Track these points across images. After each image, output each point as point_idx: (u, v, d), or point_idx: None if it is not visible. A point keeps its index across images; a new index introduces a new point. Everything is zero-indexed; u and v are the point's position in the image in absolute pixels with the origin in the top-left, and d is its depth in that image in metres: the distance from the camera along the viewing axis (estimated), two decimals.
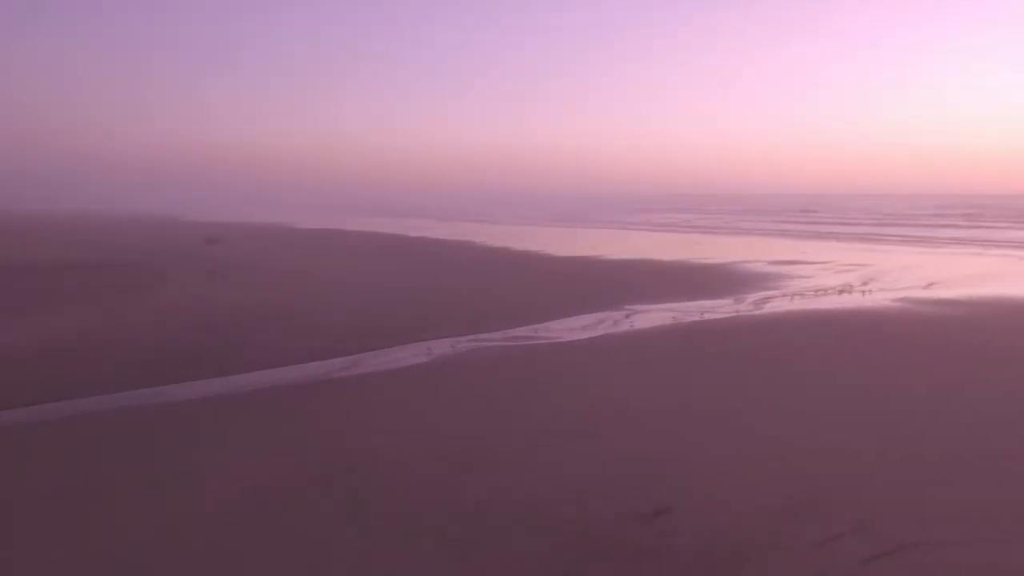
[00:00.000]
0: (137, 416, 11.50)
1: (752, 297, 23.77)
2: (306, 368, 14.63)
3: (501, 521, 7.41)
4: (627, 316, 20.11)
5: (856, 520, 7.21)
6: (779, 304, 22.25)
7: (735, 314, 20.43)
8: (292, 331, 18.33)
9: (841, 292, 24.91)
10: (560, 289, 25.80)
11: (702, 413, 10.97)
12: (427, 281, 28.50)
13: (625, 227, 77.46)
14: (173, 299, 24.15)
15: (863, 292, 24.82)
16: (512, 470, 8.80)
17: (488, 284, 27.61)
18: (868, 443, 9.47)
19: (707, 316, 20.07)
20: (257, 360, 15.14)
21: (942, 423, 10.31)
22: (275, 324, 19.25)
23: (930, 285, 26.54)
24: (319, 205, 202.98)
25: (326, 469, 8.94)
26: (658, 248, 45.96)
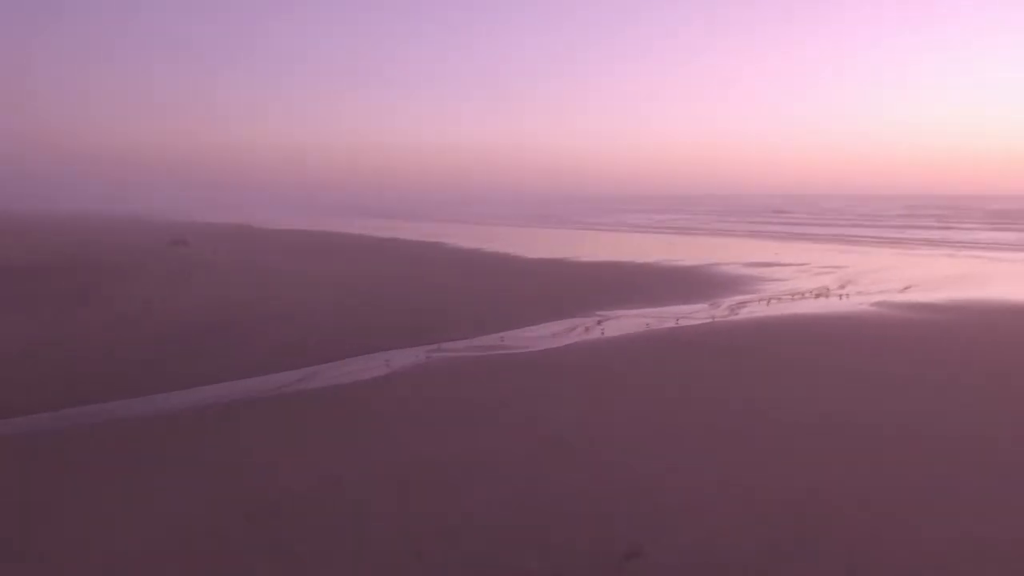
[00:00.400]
0: (87, 433, 10.68)
1: (728, 302, 23.30)
2: (260, 382, 13.87)
3: (454, 563, 6.75)
4: (599, 323, 19.51)
5: (845, 567, 6.61)
6: (755, 309, 21.79)
7: (711, 320, 19.91)
8: (248, 340, 17.53)
9: (818, 296, 24.52)
10: (531, 294, 25.17)
11: (675, 434, 10.38)
12: (394, 286, 27.75)
13: (608, 228, 77.15)
14: (130, 306, 23.18)
15: (840, 296, 24.45)
16: (473, 500, 8.14)
17: (457, 288, 26.91)
18: (854, 478, 8.93)
19: (682, 323, 19.52)
20: (212, 371, 14.38)
21: (929, 451, 9.81)
22: (232, 332, 18.43)
23: (907, 288, 26.28)
24: (312, 205, 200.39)
25: (288, 492, 8.22)
26: (635, 250, 45.54)
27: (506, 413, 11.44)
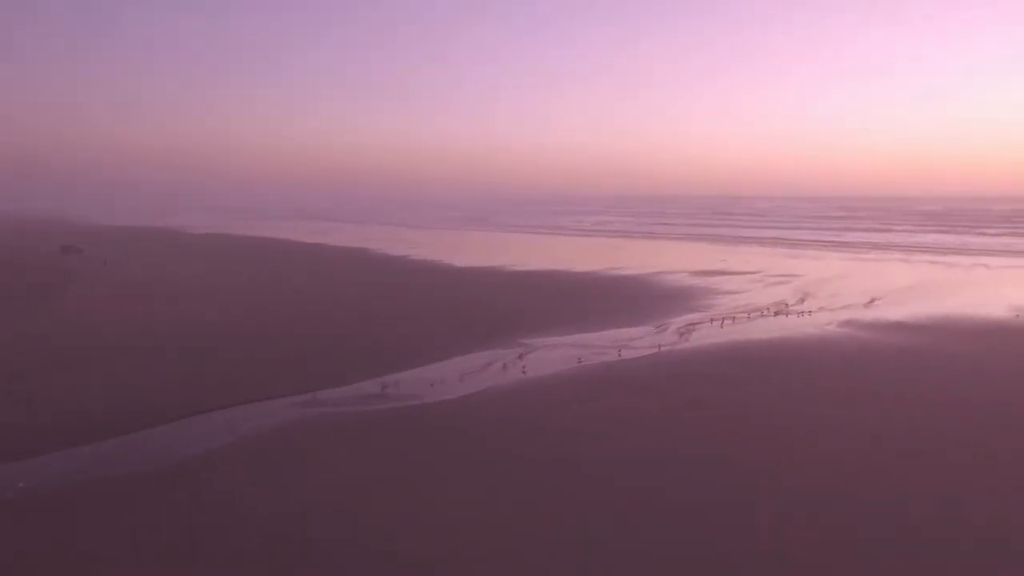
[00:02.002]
0: None
1: (676, 322, 19.88)
2: (39, 466, 9.72)
3: None
4: (520, 356, 15.74)
5: None
6: (709, 333, 18.40)
7: (656, 350, 16.39)
8: (70, 388, 13.26)
9: (777, 313, 21.37)
10: (450, 315, 21.31)
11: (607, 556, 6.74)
12: (289, 305, 23.53)
13: (543, 231, 73.80)
14: None
15: (801, 313, 21.34)
16: None
17: (367, 308, 22.88)
18: None
19: (624, 354, 15.99)
20: None
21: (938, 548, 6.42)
22: (53, 378, 14.09)
23: (872, 302, 23.50)
24: (255, 207, 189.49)
25: None
26: (571, 256, 42.15)
27: (338, 538, 7.59)
